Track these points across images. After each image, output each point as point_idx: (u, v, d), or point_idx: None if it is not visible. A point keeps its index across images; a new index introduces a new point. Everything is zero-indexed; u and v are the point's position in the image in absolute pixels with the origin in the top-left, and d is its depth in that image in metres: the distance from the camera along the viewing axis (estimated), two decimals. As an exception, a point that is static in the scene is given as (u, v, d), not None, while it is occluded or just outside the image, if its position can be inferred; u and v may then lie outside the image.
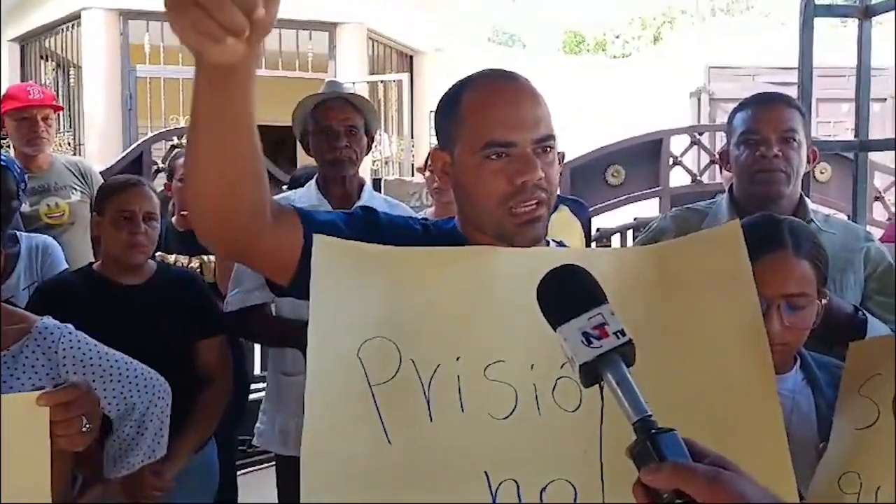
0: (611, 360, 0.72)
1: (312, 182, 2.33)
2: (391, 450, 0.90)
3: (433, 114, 1.20)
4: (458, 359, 0.93)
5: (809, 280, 1.27)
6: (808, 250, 1.29)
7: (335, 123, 2.20)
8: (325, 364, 0.92)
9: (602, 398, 0.89)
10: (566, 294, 0.77)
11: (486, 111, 1.08)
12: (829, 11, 3.27)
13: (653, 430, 0.68)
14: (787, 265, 1.26)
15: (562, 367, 0.93)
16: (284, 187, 3.96)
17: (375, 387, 0.91)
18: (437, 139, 1.17)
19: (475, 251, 1.04)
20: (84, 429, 1.02)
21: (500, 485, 0.90)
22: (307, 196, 2.28)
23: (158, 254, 2.72)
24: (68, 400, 1.01)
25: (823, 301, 1.30)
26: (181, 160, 2.99)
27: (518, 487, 0.90)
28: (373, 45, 8.39)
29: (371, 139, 2.31)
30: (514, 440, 0.92)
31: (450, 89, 1.15)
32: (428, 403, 0.91)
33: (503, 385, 0.94)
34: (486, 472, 0.90)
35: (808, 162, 1.75)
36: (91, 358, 1.49)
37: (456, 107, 1.11)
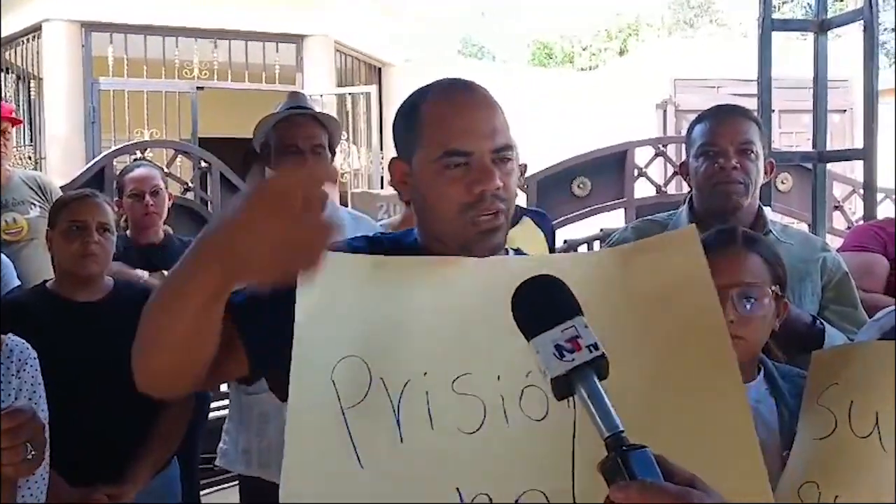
0: (583, 374, 0.71)
1: None
2: (363, 474, 0.88)
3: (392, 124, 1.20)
4: (425, 374, 0.92)
5: (760, 272, 1.32)
6: (760, 249, 1.35)
7: (301, 142, 2.13)
8: (303, 389, 0.91)
9: (575, 409, 0.89)
10: (540, 305, 0.76)
11: (443, 120, 1.07)
12: (786, 25, 3.35)
13: (624, 447, 0.67)
14: (737, 257, 1.32)
15: (527, 375, 0.92)
16: None
17: (347, 410, 0.90)
18: (396, 149, 1.16)
19: (436, 261, 1.03)
20: (29, 456, 0.98)
21: (472, 500, 0.89)
22: None
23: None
24: (12, 426, 0.97)
25: (777, 292, 1.33)
26: (129, 175, 2.93)
27: (491, 501, 0.89)
28: (341, 58, 8.36)
29: (333, 155, 2.27)
30: (484, 453, 0.91)
31: (407, 99, 1.15)
32: (398, 423, 0.90)
33: (471, 398, 0.92)
34: (458, 489, 0.89)
35: (766, 173, 1.78)
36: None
37: (414, 116, 1.10)
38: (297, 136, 2.14)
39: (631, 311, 0.98)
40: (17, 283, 2.45)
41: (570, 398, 0.73)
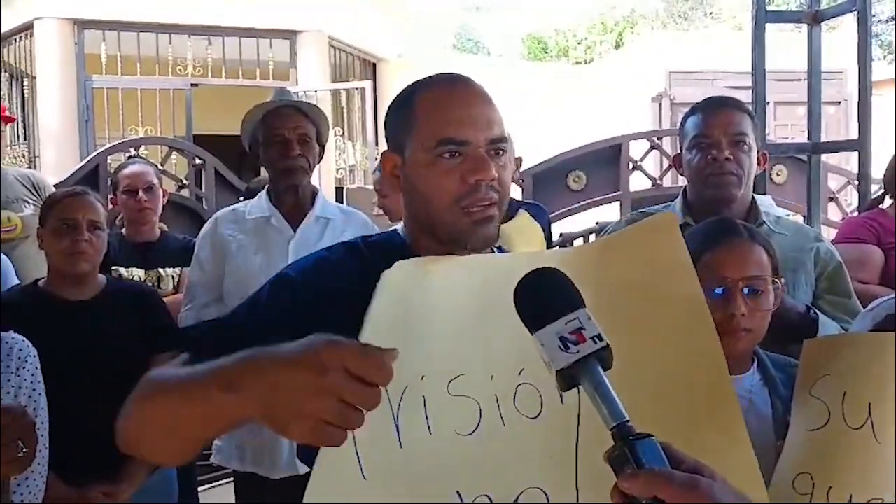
0: (588, 366, 0.71)
1: (263, 192, 2.29)
2: (367, 485, 0.88)
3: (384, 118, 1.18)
4: (422, 378, 0.91)
5: (766, 265, 1.33)
6: (761, 239, 1.37)
7: (287, 132, 2.15)
8: None
9: (579, 401, 0.88)
10: (543, 298, 0.76)
11: (440, 110, 1.05)
12: (780, 17, 3.35)
13: (630, 437, 0.68)
14: (745, 250, 1.33)
15: (520, 374, 0.92)
16: (241, 198, 3.91)
17: None
18: (388, 142, 1.14)
19: (425, 262, 1.02)
20: (20, 454, 0.98)
21: (473, 502, 0.88)
22: (258, 207, 2.25)
23: (113, 268, 2.66)
24: (3, 424, 0.97)
25: (782, 281, 1.35)
26: (123, 172, 2.93)
27: (491, 502, 0.89)
28: (335, 53, 8.34)
29: (322, 148, 2.28)
30: (482, 455, 0.91)
31: (401, 92, 1.13)
32: (397, 429, 0.89)
33: (466, 399, 0.92)
34: (458, 492, 0.89)
35: (759, 164, 1.78)
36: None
37: (408, 108, 1.08)
38: (282, 126, 2.17)
39: (617, 302, 0.97)
40: (16, 281, 2.44)
41: (562, 395, 0.74)
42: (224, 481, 3.45)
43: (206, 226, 2.32)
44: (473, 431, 0.91)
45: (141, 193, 2.83)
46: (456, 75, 1.11)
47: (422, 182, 1.06)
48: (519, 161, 2.60)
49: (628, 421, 0.69)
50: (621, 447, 0.67)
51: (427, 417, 0.90)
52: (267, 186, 2.30)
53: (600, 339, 0.72)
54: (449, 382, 0.92)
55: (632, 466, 0.66)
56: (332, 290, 1.01)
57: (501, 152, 1.06)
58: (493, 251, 1.14)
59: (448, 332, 0.95)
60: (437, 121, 1.05)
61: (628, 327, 0.95)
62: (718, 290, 1.29)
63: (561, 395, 0.74)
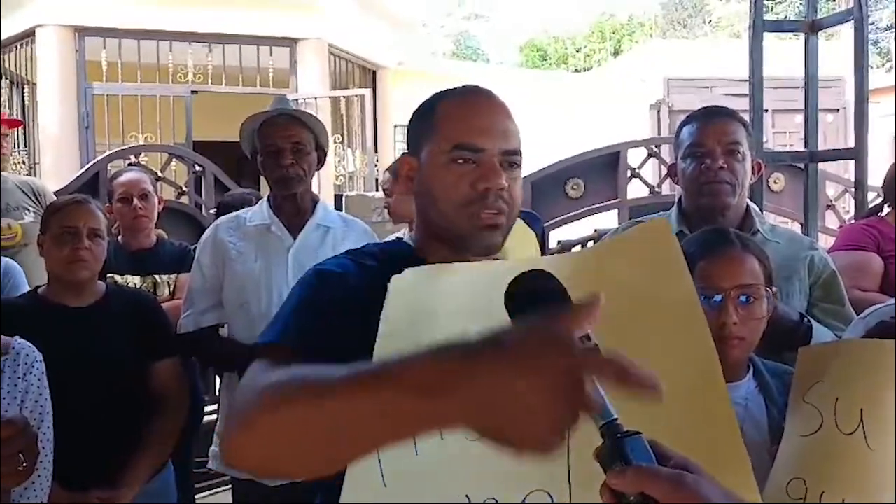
0: None
1: (264, 200, 2.30)
2: (386, 492, 0.90)
3: (401, 125, 1.20)
4: None
5: (758, 273, 1.35)
6: (754, 248, 1.38)
7: (280, 141, 2.16)
8: None
9: None
10: (532, 300, 0.77)
11: (459, 116, 1.09)
12: (778, 26, 3.38)
13: (619, 434, 0.69)
14: (737, 259, 1.34)
15: None
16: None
17: None
18: (408, 146, 1.18)
19: (428, 269, 1.03)
20: (20, 467, 0.98)
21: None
22: (259, 214, 2.26)
23: (109, 275, 2.67)
24: (5, 437, 0.97)
25: (773, 290, 1.36)
26: (118, 179, 2.93)
27: None
28: (334, 61, 8.37)
29: (324, 154, 2.29)
30: (489, 459, 0.90)
31: (427, 99, 1.17)
32: None
33: None
34: (467, 496, 0.90)
35: (753, 173, 1.80)
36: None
37: (430, 112, 1.12)
38: (275, 135, 2.18)
39: (612, 306, 0.98)
40: (27, 287, 2.44)
41: None
42: (222, 488, 3.46)
43: (207, 232, 2.33)
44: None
45: (136, 201, 2.84)
46: (480, 87, 1.14)
47: (434, 184, 1.10)
48: None
49: (616, 419, 0.70)
50: (609, 444, 0.69)
51: None
52: (268, 194, 2.31)
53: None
54: None
55: (620, 463, 0.67)
56: (360, 288, 1.03)
57: (515, 165, 1.09)
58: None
59: (453, 337, 0.96)
60: (455, 127, 1.08)
61: (623, 331, 0.96)
62: (712, 300, 1.30)
63: None
